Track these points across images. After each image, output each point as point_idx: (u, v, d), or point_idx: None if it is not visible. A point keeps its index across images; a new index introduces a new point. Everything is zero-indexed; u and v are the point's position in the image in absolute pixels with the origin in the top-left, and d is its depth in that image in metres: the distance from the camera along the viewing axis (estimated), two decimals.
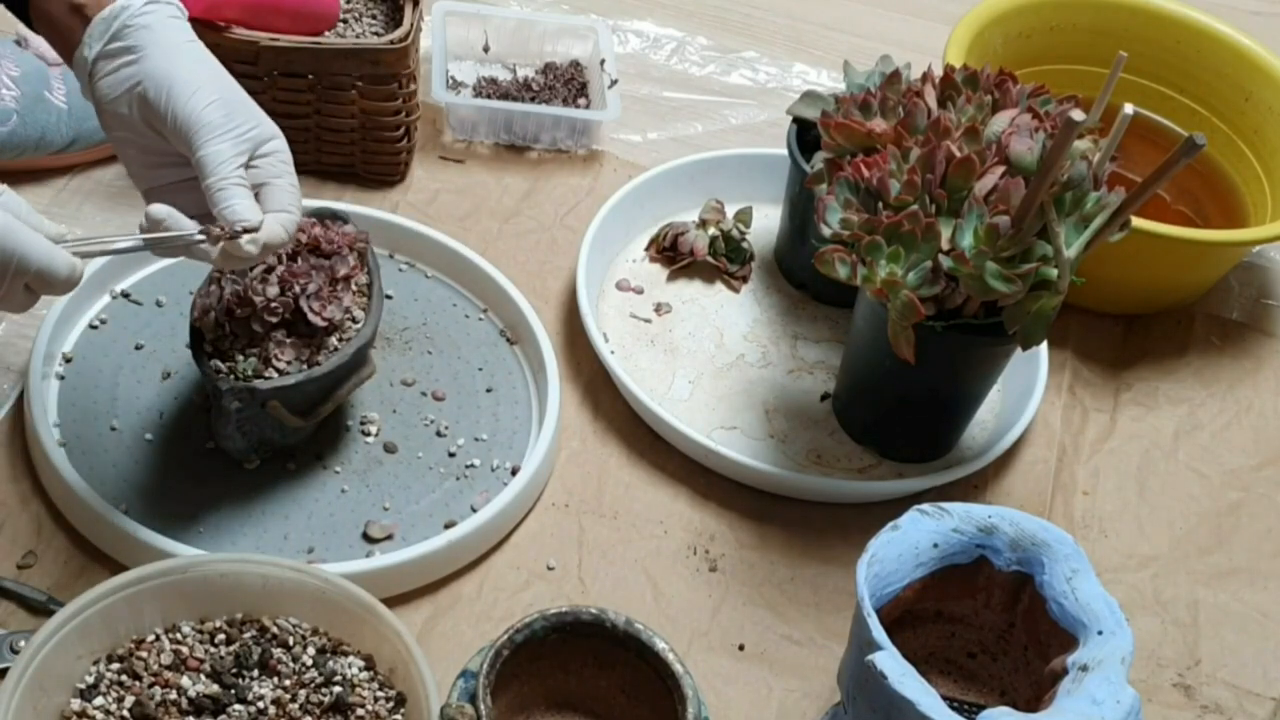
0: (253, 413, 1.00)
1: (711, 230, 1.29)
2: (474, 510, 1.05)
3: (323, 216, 1.09)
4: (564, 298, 1.24)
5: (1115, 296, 1.29)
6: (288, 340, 1.01)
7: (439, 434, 1.11)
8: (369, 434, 1.10)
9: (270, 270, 1.02)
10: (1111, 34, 1.41)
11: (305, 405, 1.02)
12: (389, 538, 1.04)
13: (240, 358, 1.00)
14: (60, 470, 1.01)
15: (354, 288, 1.06)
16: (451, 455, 1.10)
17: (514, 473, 1.09)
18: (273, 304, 1.00)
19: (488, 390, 1.15)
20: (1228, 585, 1.13)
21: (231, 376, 0.99)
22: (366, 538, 1.03)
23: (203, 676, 0.91)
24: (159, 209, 0.89)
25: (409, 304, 1.20)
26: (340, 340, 1.03)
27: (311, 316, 1.01)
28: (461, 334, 1.19)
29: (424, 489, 1.07)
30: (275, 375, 1.00)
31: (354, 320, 1.05)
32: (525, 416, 1.14)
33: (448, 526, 1.04)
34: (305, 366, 1.01)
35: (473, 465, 1.09)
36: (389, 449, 1.10)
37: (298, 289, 1.01)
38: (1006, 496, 1.16)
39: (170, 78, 0.91)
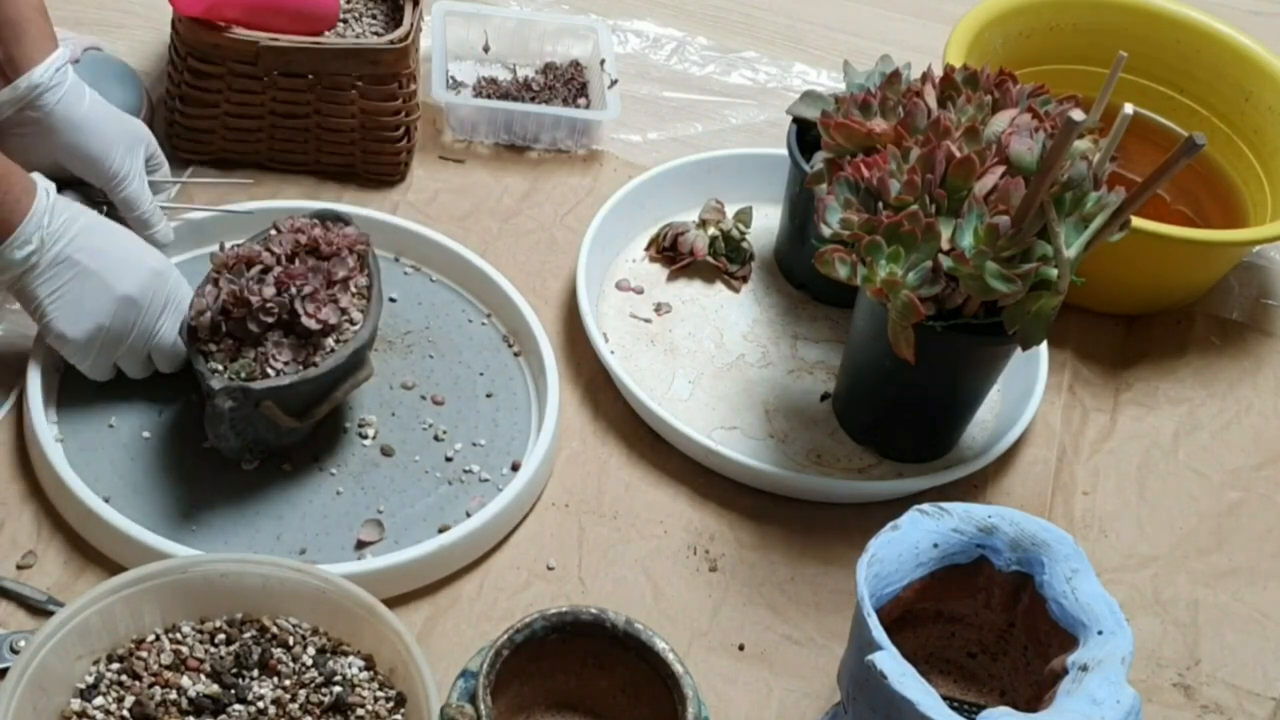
0: (247, 412, 1.00)
1: (711, 230, 1.29)
2: (468, 515, 1.05)
3: (324, 218, 1.09)
4: (564, 298, 1.24)
5: (1115, 296, 1.29)
6: (284, 341, 1.01)
7: (437, 438, 1.11)
8: (366, 436, 1.10)
9: (267, 271, 1.02)
10: (1111, 34, 1.41)
11: (300, 406, 1.02)
12: (381, 540, 1.03)
13: (236, 358, 1.00)
14: (59, 471, 1.01)
15: (353, 290, 1.05)
16: (449, 460, 1.10)
17: (515, 468, 1.09)
18: (268, 304, 1.00)
19: (488, 395, 1.15)
20: (1228, 585, 1.13)
21: (226, 376, 0.99)
22: (359, 540, 1.03)
23: (203, 676, 0.91)
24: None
25: (412, 307, 1.20)
26: (338, 342, 1.03)
27: (305, 319, 1.01)
28: (464, 338, 1.19)
29: (419, 492, 1.07)
30: (271, 375, 1.00)
31: (352, 322, 1.04)
32: (525, 422, 1.14)
33: (441, 530, 1.04)
34: (301, 368, 1.01)
35: (470, 470, 1.09)
36: (386, 452, 1.09)
37: (294, 290, 1.01)
38: (1006, 496, 1.16)
39: (85, 147, 1.10)
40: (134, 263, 1.03)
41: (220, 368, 1.00)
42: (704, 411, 1.17)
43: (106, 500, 1.01)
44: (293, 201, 1.24)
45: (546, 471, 1.11)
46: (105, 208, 1.13)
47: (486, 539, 1.05)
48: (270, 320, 1.01)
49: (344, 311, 1.03)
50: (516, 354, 1.19)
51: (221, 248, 1.06)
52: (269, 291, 1.01)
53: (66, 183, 1.11)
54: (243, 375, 1.00)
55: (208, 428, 1.02)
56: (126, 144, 1.11)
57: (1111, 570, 1.12)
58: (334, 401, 1.04)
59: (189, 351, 1.02)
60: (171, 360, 1.07)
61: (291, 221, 1.07)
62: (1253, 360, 1.31)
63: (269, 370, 1.00)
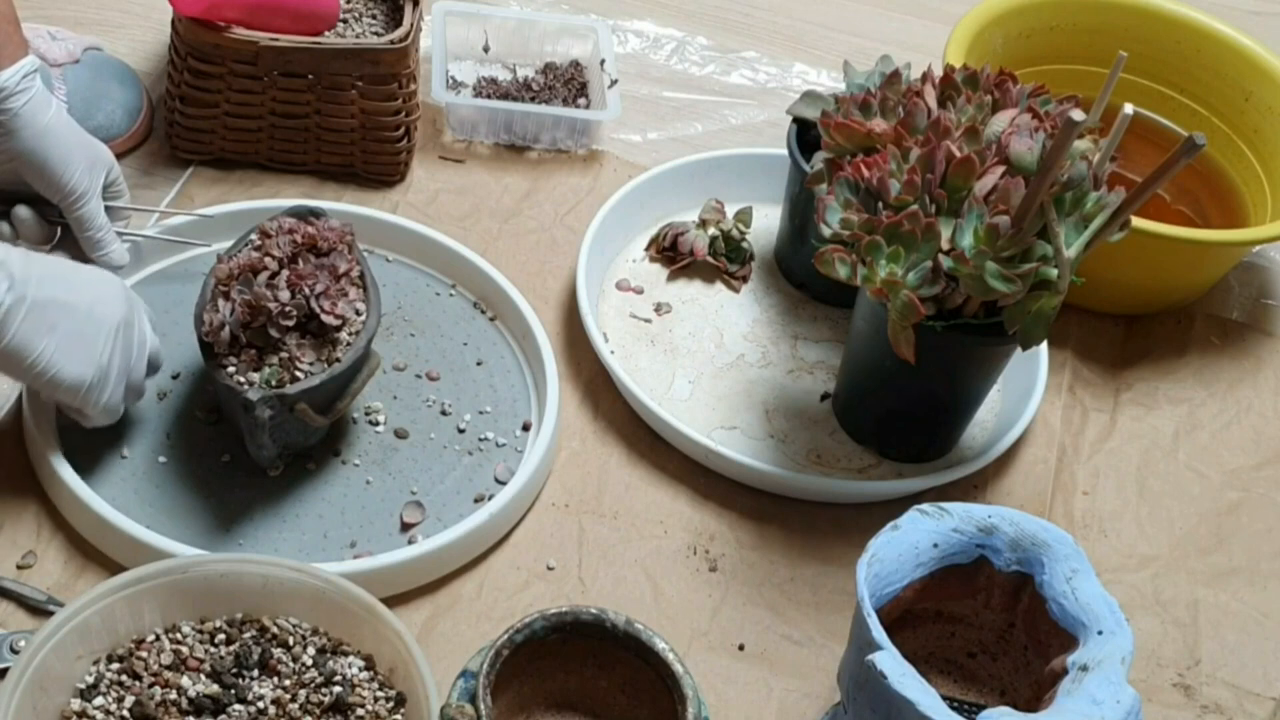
0: (283, 418, 1.00)
1: (711, 230, 1.29)
2: (498, 481, 1.08)
3: (302, 215, 1.10)
4: (564, 298, 1.24)
5: (1115, 296, 1.29)
6: (305, 342, 1.02)
7: (443, 413, 1.13)
8: (377, 424, 1.11)
9: (275, 275, 1.03)
10: (1111, 34, 1.41)
11: (326, 403, 1.03)
12: (425, 520, 1.05)
13: (259, 367, 1.01)
14: (59, 471, 1.01)
15: (353, 281, 1.06)
16: (461, 431, 1.12)
17: (526, 428, 1.12)
18: (287, 308, 1.01)
19: (478, 364, 1.17)
20: (1228, 585, 1.13)
21: (261, 386, 0.99)
22: (404, 524, 1.05)
23: (203, 676, 0.91)
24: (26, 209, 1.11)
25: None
26: (350, 334, 1.04)
27: (325, 316, 1.01)
28: (438, 312, 1.21)
29: (444, 468, 1.09)
30: (301, 378, 1.00)
31: (357, 313, 1.05)
32: (521, 384, 1.16)
33: (477, 500, 1.07)
34: (326, 365, 1.02)
35: (485, 438, 1.11)
36: (400, 435, 1.11)
37: (307, 290, 1.01)
38: (1006, 496, 1.16)
39: (44, 156, 1.07)
40: (102, 285, 1.00)
41: (248, 379, 1.00)
42: (704, 411, 1.17)
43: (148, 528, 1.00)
44: (261, 202, 1.23)
45: (546, 471, 1.11)
46: (60, 229, 1.13)
47: (492, 534, 1.06)
48: (289, 324, 1.01)
49: (352, 303, 1.04)
50: (491, 319, 1.20)
51: (219, 259, 1.06)
52: (285, 295, 1.01)
53: (22, 199, 1.11)
54: (273, 383, 1.00)
55: (247, 440, 1.02)
56: (88, 161, 1.09)
57: (1111, 570, 1.12)
58: (353, 394, 1.04)
59: (208, 367, 1.02)
60: (137, 393, 1.03)
61: (279, 223, 1.07)
62: (1253, 360, 1.31)
63: (298, 373, 1.00)
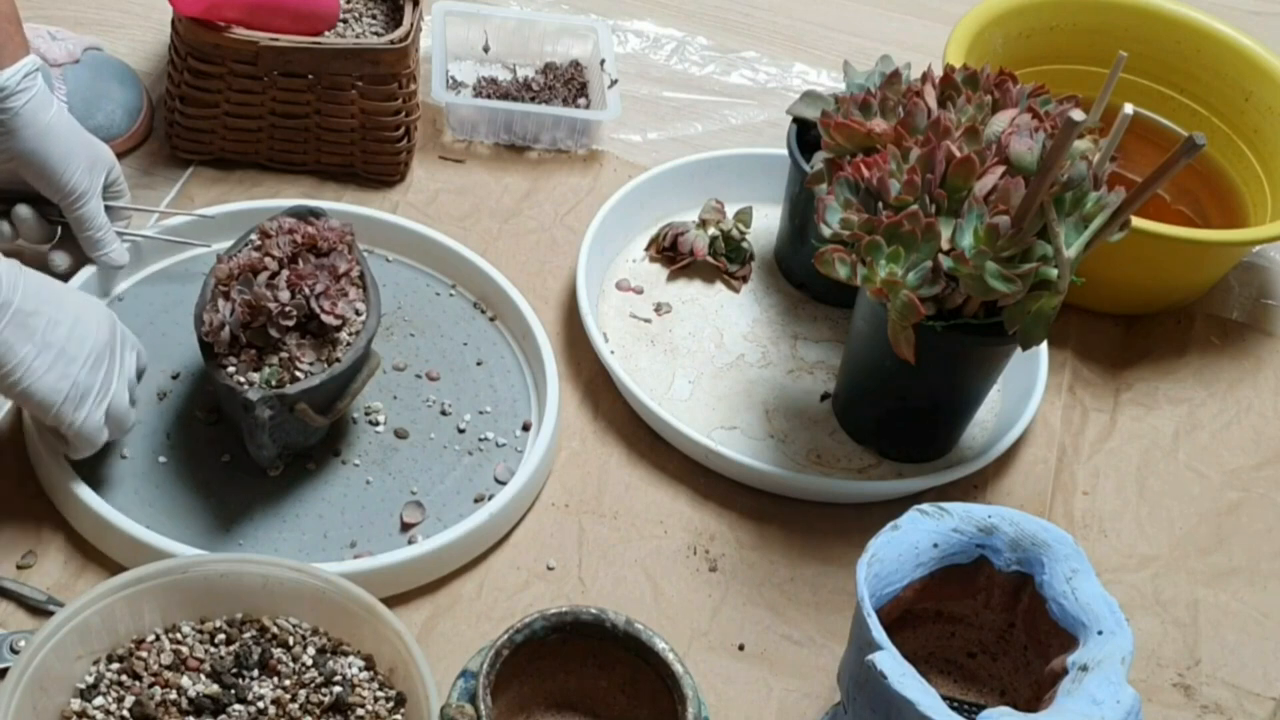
0: (282, 419, 1.00)
1: (711, 230, 1.29)
2: (498, 481, 1.08)
3: (302, 215, 1.10)
4: (564, 298, 1.24)
5: (1115, 296, 1.29)
6: (305, 342, 1.02)
7: (443, 413, 1.13)
8: (377, 424, 1.11)
9: (275, 275, 1.03)
10: (1111, 34, 1.41)
11: (326, 403, 1.03)
12: (425, 520, 1.05)
13: (258, 367, 1.01)
14: (59, 471, 1.01)
15: (353, 281, 1.06)
16: (461, 431, 1.12)
17: (526, 428, 1.12)
18: (287, 308, 1.01)
19: (478, 364, 1.17)
20: (1228, 585, 1.13)
21: (261, 386, 0.99)
22: (404, 524, 1.05)
23: (203, 676, 0.91)
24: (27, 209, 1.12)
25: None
26: (350, 334, 1.04)
27: (325, 316, 1.01)
28: (438, 312, 1.21)
29: (444, 469, 1.09)
30: (301, 378, 1.00)
31: (357, 313, 1.05)
32: (521, 384, 1.16)
33: (477, 500, 1.07)
34: (325, 365, 1.02)
35: (485, 438, 1.11)
36: (400, 435, 1.11)
37: (307, 290, 1.01)
38: (1006, 496, 1.16)
39: (45, 156, 1.07)
40: (88, 308, 0.99)
41: (248, 379, 1.00)
42: (704, 411, 1.17)
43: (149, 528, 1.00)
44: (261, 202, 1.23)
45: (546, 471, 1.11)
46: (60, 228, 1.13)
47: (491, 534, 1.06)
48: (289, 324, 1.01)
49: (353, 303, 1.04)
50: (491, 319, 1.21)
51: (219, 259, 1.06)
52: (285, 295, 1.01)
53: (22, 199, 1.11)
54: (273, 383, 1.00)
55: (247, 440, 1.02)
56: (89, 161, 1.09)
57: (1111, 570, 1.12)
58: (353, 394, 1.04)
59: (208, 367, 1.02)
60: (120, 424, 1.01)
61: (279, 223, 1.07)
62: (1253, 360, 1.31)
63: (298, 373, 1.00)
